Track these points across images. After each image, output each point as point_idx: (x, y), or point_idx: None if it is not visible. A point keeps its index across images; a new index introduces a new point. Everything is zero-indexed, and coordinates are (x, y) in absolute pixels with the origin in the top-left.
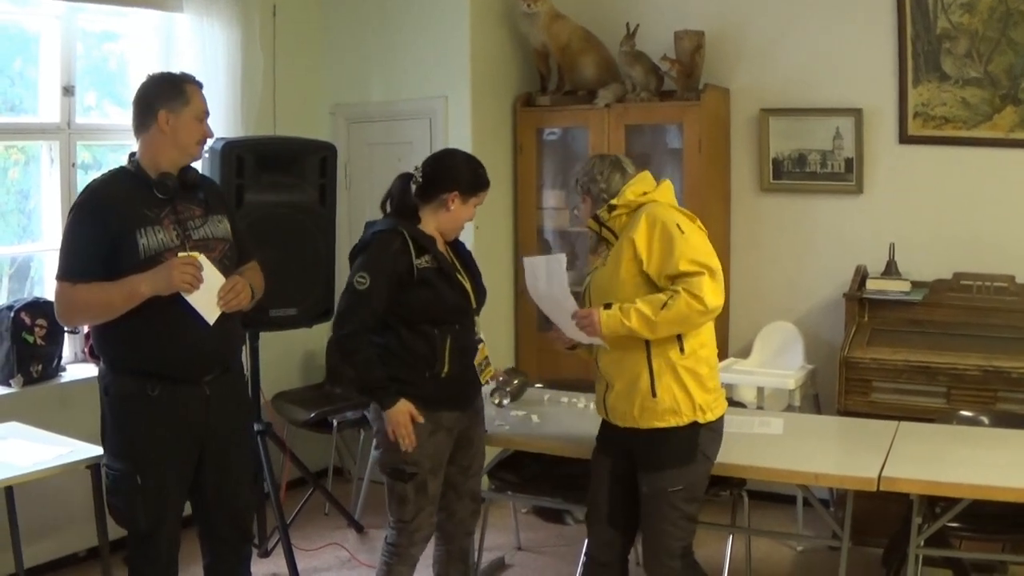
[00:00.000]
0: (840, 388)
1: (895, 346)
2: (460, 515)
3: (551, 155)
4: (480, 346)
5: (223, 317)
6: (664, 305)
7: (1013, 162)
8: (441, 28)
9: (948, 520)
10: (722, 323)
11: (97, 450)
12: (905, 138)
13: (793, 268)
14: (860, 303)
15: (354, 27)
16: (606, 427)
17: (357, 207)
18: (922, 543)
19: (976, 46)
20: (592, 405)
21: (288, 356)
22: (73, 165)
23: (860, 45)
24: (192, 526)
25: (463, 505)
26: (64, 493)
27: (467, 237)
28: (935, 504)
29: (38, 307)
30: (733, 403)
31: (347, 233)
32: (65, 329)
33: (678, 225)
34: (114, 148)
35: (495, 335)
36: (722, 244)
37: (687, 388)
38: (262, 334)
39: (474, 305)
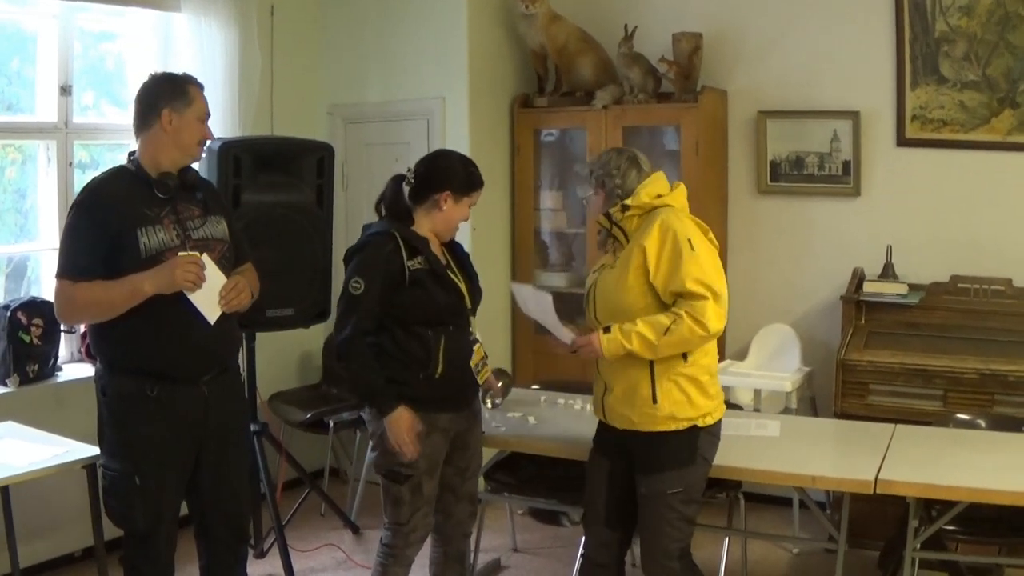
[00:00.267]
0: (837, 391)
1: (892, 349)
2: (457, 517)
3: (548, 156)
4: (476, 347)
5: (222, 317)
6: (667, 330)
7: (1010, 165)
8: (439, 29)
9: (944, 523)
10: None
11: (93, 450)
12: (903, 141)
13: (790, 270)
14: (857, 306)
15: (352, 27)
16: (603, 428)
17: (354, 207)
18: (918, 546)
19: (974, 49)
20: (589, 407)
21: (284, 356)
22: (70, 164)
23: (858, 48)
24: (188, 526)
25: (460, 507)
26: (60, 493)
27: (464, 238)
28: (931, 507)
29: (34, 307)
30: (730, 405)
31: (344, 234)
32: (62, 328)
33: (690, 240)
34: (111, 147)
35: (492, 337)
36: (719, 246)
37: (688, 395)
38: (258, 334)
39: (469, 306)
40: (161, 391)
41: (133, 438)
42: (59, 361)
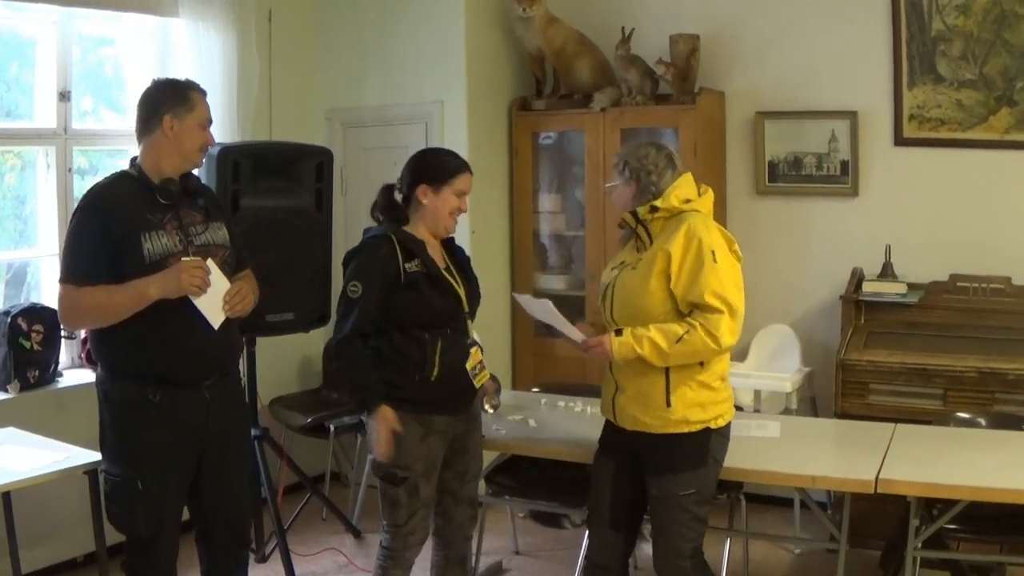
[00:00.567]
0: (837, 391)
1: (891, 348)
2: (457, 520)
3: (547, 159)
4: (473, 350)
5: (224, 322)
6: (680, 339)
7: (1008, 163)
8: (436, 32)
9: (945, 522)
10: None
11: (94, 456)
12: (900, 140)
13: (789, 271)
14: (856, 305)
15: (350, 31)
16: (611, 429)
17: (353, 212)
18: (919, 545)
19: (971, 48)
20: (589, 409)
21: (285, 361)
22: (69, 170)
23: (855, 48)
24: (189, 531)
25: (460, 511)
26: (61, 499)
27: (463, 241)
28: (932, 506)
29: (35, 312)
30: None
31: (343, 238)
32: (62, 334)
33: (713, 252)
34: (110, 153)
35: (492, 340)
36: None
37: (701, 400)
38: (259, 339)
39: (467, 309)
40: (163, 396)
41: (135, 443)
42: (59, 367)
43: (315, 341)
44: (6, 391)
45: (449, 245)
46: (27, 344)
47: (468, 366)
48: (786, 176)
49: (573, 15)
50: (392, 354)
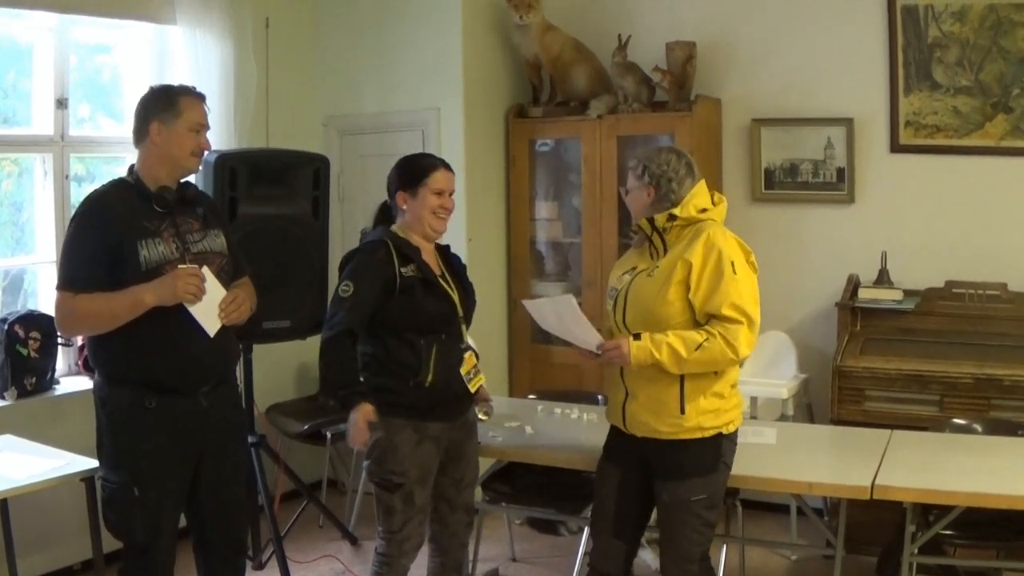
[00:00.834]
0: (833, 397)
1: (888, 355)
2: (453, 527)
3: (544, 166)
4: (467, 355)
5: (220, 329)
6: (699, 347)
7: (1004, 170)
8: (433, 40)
9: (942, 528)
10: None
11: (92, 462)
12: (896, 147)
13: (785, 278)
14: (852, 312)
15: (347, 39)
16: (619, 436)
17: (350, 219)
18: (916, 551)
19: (967, 55)
20: (585, 415)
21: (282, 368)
22: (66, 177)
23: (851, 55)
24: (187, 538)
25: (456, 517)
26: (58, 506)
27: (460, 249)
28: (929, 512)
29: (32, 320)
30: None
31: (340, 245)
32: (59, 341)
33: (733, 263)
34: (107, 160)
35: (489, 346)
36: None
37: (715, 407)
38: (255, 346)
39: (461, 314)
40: (160, 403)
41: (132, 450)
42: (56, 374)
43: (312, 348)
44: (3, 398)
45: (445, 253)
46: (24, 351)
47: (463, 371)
48: (782, 183)
49: (570, 23)
50: (387, 359)
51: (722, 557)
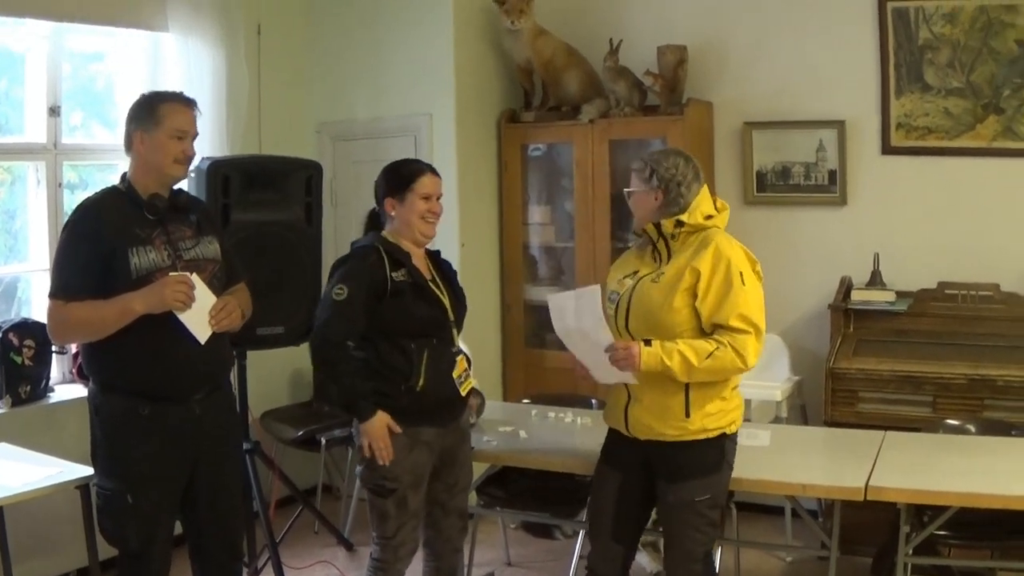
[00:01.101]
0: (826, 399)
1: (881, 356)
2: (447, 532)
3: (536, 171)
4: (458, 359)
5: (213, 336)
6: (710, 355)
7: (996, 171)
8: (425, 45)
9: (936, 528)
10: None
11: (87, 470)
12: (888, 149)
13: (778, 280)
14: (845, 314)
15: (339, 45)
16: (618, 439)
17: (343, 225)
18: (910, 552)
19: (958, 56)
20: (579, 419)
21: (276, 374)
22: (60, 185)
23: (842, 57)
24: (182, 545)
25: (450, 522)
26: (54, 514)
27: (453, 254)
28: (923, 512)
29: (26, 328)
30: None
31: (333, 251)
32: (53, 349)
33: (741, 274)
34: (101, 168)
35: (482, 351)
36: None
37: (719, 408)
38: (249, 352)
39: (452, 318)
40: (153, 410)
41: (125, 457)
42: (51, 382)
43: (306, 354)
44: None
45: (435, 258)
46: (18, 359)
47: (454, 375)
48: (774, 186)
49: (561, 27)
50: (379, 364)
51: (717, 559)
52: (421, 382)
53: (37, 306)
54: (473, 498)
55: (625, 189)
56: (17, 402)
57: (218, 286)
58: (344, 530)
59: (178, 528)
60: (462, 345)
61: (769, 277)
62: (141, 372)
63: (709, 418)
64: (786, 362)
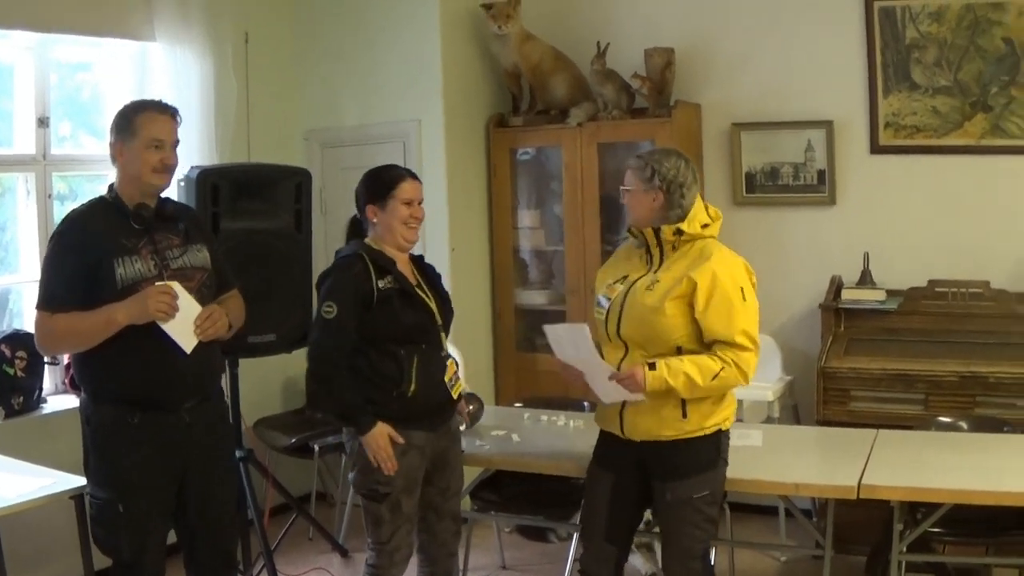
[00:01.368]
0: (818, 398)
1: (872, 355)
2: (441, 537)
3: (525, 175)
4: (448, 363)
5: (202, 345)
6: (716, 376)
7: (984, 168)
8: (413, 52)
9: (930, 525)
10: None
11: (80, 480)
12: (876, 148)
13: (768, 280)
14: (836, 313)
15: (326, 52)
16: (612, 441)
17: (333, 232)
18: (904, 549)
19: (945, 55)
20: (572, 422)
21: (268, 382)
22: (49, 196)
23: (829, 57)
24: (177, 554)
25: (444, 526)
26: (48, 524)
27: (443, 259)
28: (916, 510)
29: (18, 339)
30: None
31: (324, 258)
32: (45, 360)
33: (742, 289)
34: (90, 178)
35: (473, 356)
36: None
37: (715, 408)
38: (241, 360)
39: (440, 323)
40: (143, 419)
41: (116, 466)
42: (44, 393)
43: (298, 362)
44: None
45: (419, 262)
46: (11, 371)
47: (444, 378)
48: (763, 186)
49: (548, 31)
50: (369, 371)
51: (712, 560)
52: (413, 387)
53: (28, 318)
54: (467, 502)
55: (621, 187)
56: (10, 413)
57: (208, 294)
58: (339, 536)
59: (173, 537)
60: (451, 348)
61: (760, 278)
62: (131, 381)
63: (706, 417)
64: (778, 362)
